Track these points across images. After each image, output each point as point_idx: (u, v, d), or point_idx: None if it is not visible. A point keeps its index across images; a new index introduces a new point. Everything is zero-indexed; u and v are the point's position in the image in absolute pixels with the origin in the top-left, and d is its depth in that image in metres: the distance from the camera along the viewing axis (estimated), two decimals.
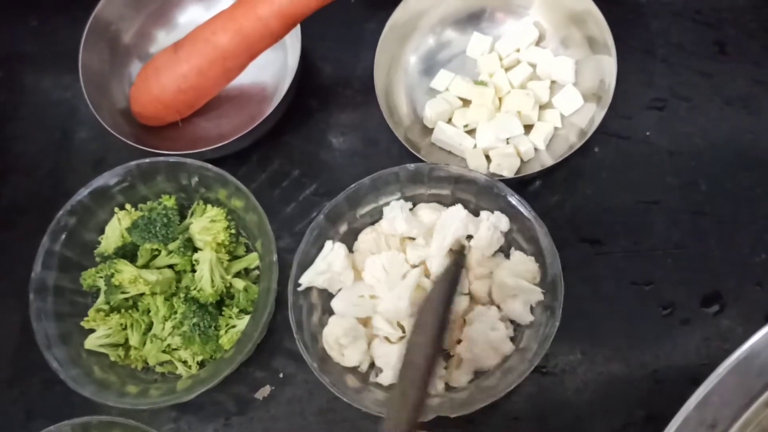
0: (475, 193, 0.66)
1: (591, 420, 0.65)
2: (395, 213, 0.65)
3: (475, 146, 0.72)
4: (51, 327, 0.65)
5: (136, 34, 0.79)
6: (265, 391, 0.70)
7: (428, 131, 0.75)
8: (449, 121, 0.74)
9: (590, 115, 0.71)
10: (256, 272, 0.71)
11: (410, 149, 0.69)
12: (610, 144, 0.73)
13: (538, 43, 0.76)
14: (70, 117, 0.81)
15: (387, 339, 0.62)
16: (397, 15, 0.73)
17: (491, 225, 0.64)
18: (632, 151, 0.73)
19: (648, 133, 0.74)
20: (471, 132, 0.74)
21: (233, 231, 0.69)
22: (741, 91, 0.74)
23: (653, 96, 0.75)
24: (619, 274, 0.70)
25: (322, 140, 0.78)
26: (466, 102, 0.75)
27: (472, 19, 0.77)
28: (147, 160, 0.68)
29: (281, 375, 0.70)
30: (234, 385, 0.70)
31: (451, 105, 0.74)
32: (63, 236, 0.68)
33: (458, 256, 0.54)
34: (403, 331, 0.62)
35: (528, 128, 0.73)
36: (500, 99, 0.74)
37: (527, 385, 0.65)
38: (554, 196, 0.73)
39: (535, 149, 0.72)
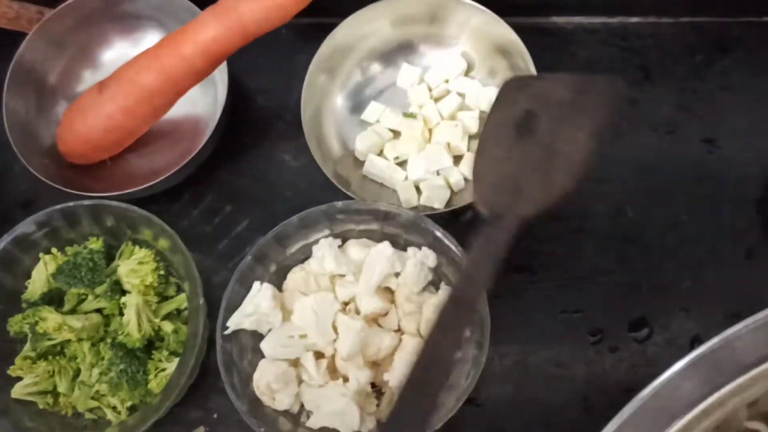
0: (403, 228, 0.66)
1: None
2: (324, 251, 0.65)
3: (406, 178, 0.73)
4: None
5: (61, 74, 0.78)
6: None
7: (360, 163, 0.75)
8: (380, 153, 0.75)
9: None
10: (187, 312, 0.70)
11: (338, 185, 0.69)
12: None
13: (467, 73, 0.76)
14: None
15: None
16: (323, 50, 0.73)
17: (418, 262, 0.64)
18: None
19: None
20: (403, 164, 0.74)
21: (162, 272, 0.69)
22: (666, 116, 0.75)
23: None
24: (550, 302, 0.70)
25: (254, 175, 0.77)
26: (397, 134, 0.75)
27: (402, 51, 0.77)
28: (71, 203, 0.68)
29: (215, 415, 0.70)
30: (168, 425, 0.69)
31: (382, 137, 0.74)
32: None
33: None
34: (331, 378, 0.62)
35: (458, 159, 0.73)
36: (430, 130, 0.74)
37: (459, 417, 0.65)
38: None
39: (465, 180, 0.72)
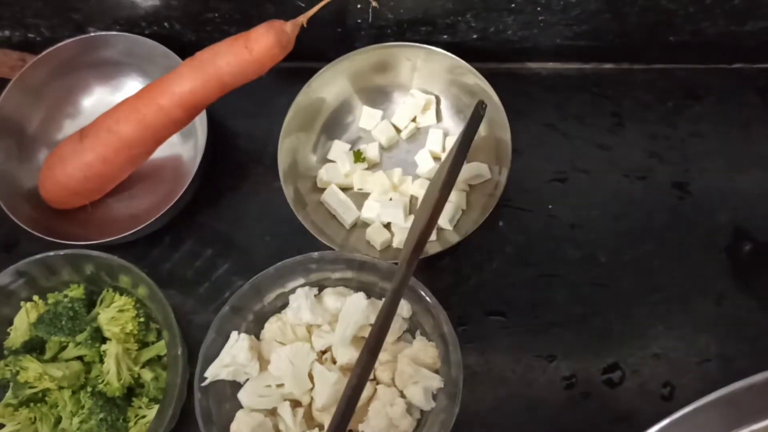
0: (379, 276, 0.67)
1: None
2: (300, 302, 0.66)
3: (355, 222, 0.75)
4: None
5: (41, 122, 0.79)
6: None
7: None
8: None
9: (492, 192, 0.73)
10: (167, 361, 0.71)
11: (314, 234, 0.70)
12: (514, 218, 0.75)
13: (437, 114, 0.78)
14: None
15: None
16: (300, 98, 0.74)
17: None
18: (535, 224, 0.75)
19: (550, 207, 0.76)
20: (365, 195, 0.76)
21: (142, 319, 0.70)
22: (637, 163, 0.76)
23: (555, 169, 0.77)
24: (523, 347, 0.72)
25: (233, 219, 0.79)
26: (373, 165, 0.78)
27: (379, 96, 0.79)
28: (50, 253, 0.68)
29: None
30: None
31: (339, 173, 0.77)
32: None
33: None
34: (308, 426, 0.63)
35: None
36: None
37: None
38: (462, 271, 0.74)
39: (438, 229, 0.74)
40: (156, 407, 0.67)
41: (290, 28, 0.68)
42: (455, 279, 0.74)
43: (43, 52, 0.76)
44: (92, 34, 0.77)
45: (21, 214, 0.73)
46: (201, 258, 0.77)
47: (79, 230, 0.75)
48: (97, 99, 0.81)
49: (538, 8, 0.71)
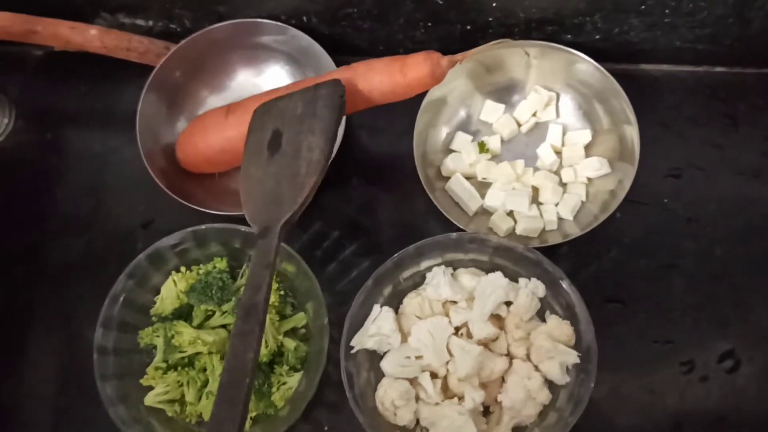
0: (512, 260, 0.71)
1: None
2: (439, 279, 0.70)
3: (480, 208, 0.79)
4: (113, 386, 0.69)
5: (187, 96, 0.84)
6: None
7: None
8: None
9: (613, 186, 0.76)
10: (303, 331, 0.75)
11: (446, 215, 0.74)
12: (631, 210, 0.78)
13: (558, 112, 0.83)
14: (117, 179, 0.85)
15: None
16: (432, 91, 0.78)
17: (529, 292, 0.69)
18: (652, 217, 0.79)
19: (666, 201, 0.79)
20: (488, 185, 0.80)
21: (282, 292, 0.74)
22: (751, 162, 0.80)
23: (670, 165, 0.81)
24: (642, 332, 0.75)
25: (359, 203, 0.83)
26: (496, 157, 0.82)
27: (503, 92, 0.83)
28: (203, 226, 0.73)
29: (326, 428, 0.74)
30: None
31: (464, 162, 0.81)
32: (121, 299, 0.72)
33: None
34: (445, 396, 0.67)
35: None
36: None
37: None
38: (580, 259, 0.78)
39: (559, 218, 0.78)
40: (295, 375, 0.71)
41: (446, 63, 0.69)
42: (574, 266, 0.77)
43: (198, 32, 0.81)
44: (242, 20, 0.81)
45: (156, 168, 0.77)
46: (329, 239, 0.81)
47: (204, 195, 0.79)
48: (241, 80, 0.86)
49: (666, 10, 0.75)
